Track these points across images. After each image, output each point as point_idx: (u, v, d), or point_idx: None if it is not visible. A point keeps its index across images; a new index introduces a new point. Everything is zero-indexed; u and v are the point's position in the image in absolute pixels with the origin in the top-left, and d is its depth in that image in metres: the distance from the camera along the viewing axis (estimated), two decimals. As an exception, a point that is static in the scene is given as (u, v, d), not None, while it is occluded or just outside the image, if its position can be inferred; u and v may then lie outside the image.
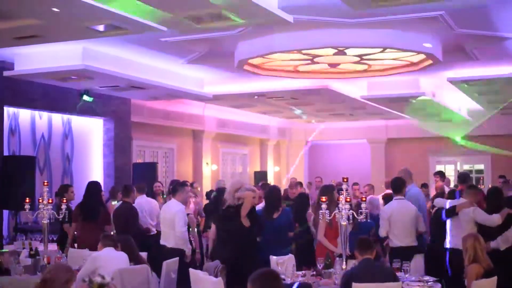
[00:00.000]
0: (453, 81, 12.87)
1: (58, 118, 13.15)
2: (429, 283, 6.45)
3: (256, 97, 14.41)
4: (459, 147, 20.52)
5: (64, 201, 8.12)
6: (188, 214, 8.88)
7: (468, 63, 11.68)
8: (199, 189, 14.23)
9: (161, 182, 12.68)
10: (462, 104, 17.22)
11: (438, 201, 8.84)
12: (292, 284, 6.15)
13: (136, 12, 7.42)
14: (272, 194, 8.37)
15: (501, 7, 8.24)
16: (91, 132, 14.02)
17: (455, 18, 8.70)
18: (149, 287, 6.85)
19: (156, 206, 10.07)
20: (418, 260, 7.77)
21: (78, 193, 10.03)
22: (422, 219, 8.51)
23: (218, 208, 8.59)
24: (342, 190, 6.38)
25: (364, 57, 10.74)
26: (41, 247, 7.86)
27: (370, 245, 5.84)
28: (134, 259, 6.93)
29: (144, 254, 7.55)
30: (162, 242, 8.24)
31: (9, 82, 11.09)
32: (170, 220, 8.11)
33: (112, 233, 9.14)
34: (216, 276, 6.48)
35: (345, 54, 10.38)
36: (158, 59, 11.45)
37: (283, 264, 6.99)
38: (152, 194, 11.03)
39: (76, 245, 9.18)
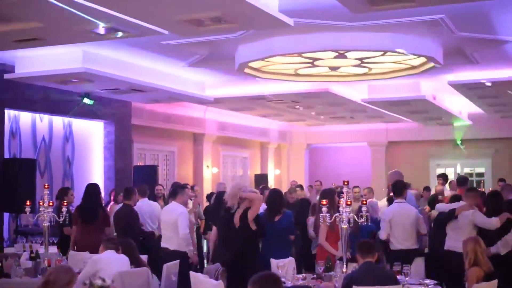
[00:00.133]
0: (453, 84, 12.88)
1: (58, 121, 13.15)
2: (429, 286, 6.46)
3: (263, 97, 14.34)
4: (460, 150, 20.58)
5: (65, 204, 8.12)
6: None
7: (468, 66, 11.69)
8: (199, 191, 14.24)
9: (162, 185, 12.67)
10: (463, 107, 17.25)
11: (440, 206, 8.86)
12: (292, 287, 6.16)
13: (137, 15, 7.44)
14: (273, 197, 8.37)
15: (501, 10, 8.25)
16: (92, 135, 14.02)
17: (456, 21, 8.71)
18: (149, 290, 6.86)
19: (158, 209, 10.06)
20: (419, 263, 7.77)
21: (79, 195, 10.02)
22: (422, 221, 8.54)
23: (219, 211, 8.59)
24: (343, 193, 6.39)
25: (364, 60, 10.75)
26: (41, 250, 7.87)
27: (372, 248, 5.84)
28: (135, 262, 6.93)
29: (144, 257, 7.55)
30: (163, 244, 8.24)
31: (9, 85, 11.09)
32: (172, 223, 8.11)
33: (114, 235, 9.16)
34: (216, 279, 6.49)
35: (345, 57, 10.39)
36: (159, 62, 11.46)
37: (284, 267, 6.99)
38: (153, 197, 11.02)
39: (75, 247, 9.17)
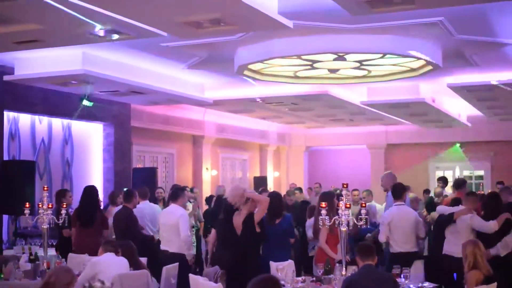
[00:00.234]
0: (452, 87, 12.88)
1: (58, 123, 13.15)
2: (428, 289, 6.46)
3: (258, 100, 14.37)
4: (459, 153, 20.60)
5: (64, 206, 8.11)
6: None
7: (467, 69, 11.70)
8: (198, 194, 14.23)
9: (163, 188, 12.63)
10: (462, 110, 17.25)
11: (441, 209, 8.86)
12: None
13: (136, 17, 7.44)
14: (274, 200, 8.34)
15: (500, 13, 8.25)
16: (91, 137, 14.02)
17: (455, 24, 8.71)
18: (148, 292, 6.85)
19: (159, 212, 10.01)
20: (418, 266, 7.77)
21: (78, 198, 9.99)
22: (422, 225, 8.53)
23: (219, 214, 8.58)
24: (342, 196, 6.39)
25: (364, 63, 10.75)
26: (40, 252, 7.86)
27: (371, 251, 5.83)
28: (134, 264, 6.92)
29: (144, 259, 7.54)
30: (163, 247, 8.21)
31: (9, 87, 11.09)
32: (173, 225, 8.08)
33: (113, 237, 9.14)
34: (216, 282, 6.48)
35: (345, 59, 10.39)
36: (158, 64, 11.46)
37: (283, 270, 6.97)
38: (153, 200, 10.99)
39: (73, 250, 9.15)
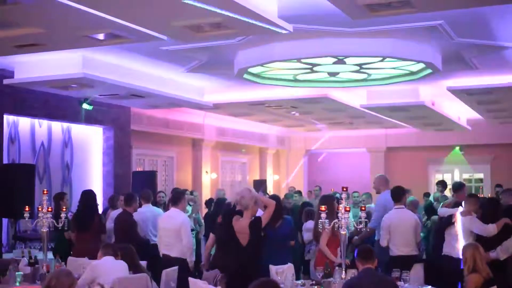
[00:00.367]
0: (452, 90, 12.89)
1: (57, 126, 13.15)
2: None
3: (264, 106, 14.40)
4: (459, 156, 20.61)
5: (64, 209, 8.10)
6: None
7: (467, 72, 11.70)
8: (198, 197, 14.23)
9: (164, 192, 12.59)
10: (461, 113, 17.27)
11: (442, 211, 8.86)
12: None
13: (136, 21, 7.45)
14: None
15: (500, 16, 8.27)
16: (91, 140, 14.02)
17: (454, 27, 8.72)
18: (148, 296, 6.84)
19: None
20: (418, 269, 7.76)
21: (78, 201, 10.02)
22: (420, 229, 8.54)
23: (217, 217, 8.57)
24: (342, 199, 6.39)
25: (363, 66, 10.76)
26: (40, 256, 7.85)
27: (371, 254, 5.83)
28: (134, 268, 6.91)
29: (143, 263, 7.52)
30: (164, 251, 8.16)
31: (9, 90, 11.10)
32: (174, 230, 8.04)
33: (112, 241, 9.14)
34: (215, 285, 6.47)
35: (344, 63, 10.40)
36: (158, 68, 11.47)
37: (283, 273, 6.97)
38: (154, 204, 10.95)
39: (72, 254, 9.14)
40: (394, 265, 7.24)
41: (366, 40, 9.25)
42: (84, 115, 12.59)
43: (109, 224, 10.00)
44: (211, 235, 8.34)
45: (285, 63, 10.43)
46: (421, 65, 10.55)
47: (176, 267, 7.55)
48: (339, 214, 6.35)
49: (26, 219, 7.81)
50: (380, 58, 10.01)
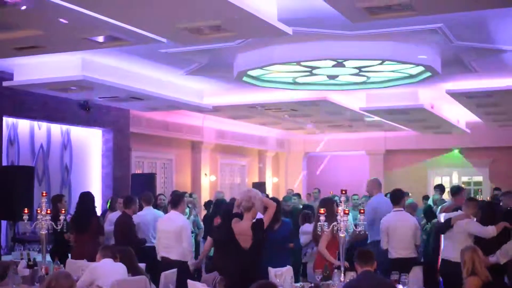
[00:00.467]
0: (451, 93, 12.90)
1: (57, 129, 13.15)
2: (427, 295, 6.45)
3: (259, 108, 14.42)
4: (459, 158, 20.63)
5: (63, 211, 8.10)
6: None
7: (466, 75, 11.72)
8: (197, 200, 14.22)
9: (164, 194, 12.55)
10: (461, 116, 17.28)
11: (443, 216, 8.85)
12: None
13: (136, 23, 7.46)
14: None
15: (499, 20, 8.28)
16: (90, 142, 14.03)
17: (454, 30, 8.74)
18: (147, 298, 6.83)
19: None
20: (417, 272, 7.76)
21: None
22: (419, 232, 8.54)
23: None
24: (341, 202, 6.39)
25: (362, 69, 10.77)
26: (39, 258, 7.85)
27: (371, 257, 5.83)
28: (133, 270, 6.90)
29: (142, 265, 7.52)
30: (163, 254, 8.14)
31: (8, 93, 11.10)
32: (175, 233, 8.01)
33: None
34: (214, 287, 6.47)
35: (344, 66, 10.41)
36: (158, 70, 11.47)
37: (281, 276, 6.95)
38: (155, 207, 10.93)
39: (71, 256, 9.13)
40: (393, 268, 7.23)
41: (366, 43, 9.27)
42: (74, 117, 12.56)
43: (107, 227, 10.00)
44: (209, 239, 8.29)
45: (284, 66, 10.44)
46: (421, 68, 10.56)
47: (175, 270, 7.54)
48: (338, 217, 6.36)
49: (25, 221, 7.80)
50: (380, 61, 10.02)
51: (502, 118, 16.72)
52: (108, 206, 11.53)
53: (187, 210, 11.15)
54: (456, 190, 9.82)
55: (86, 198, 9.51)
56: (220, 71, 11.19)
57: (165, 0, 6.41)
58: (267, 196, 11.10)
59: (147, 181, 13.98)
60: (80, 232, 9.13)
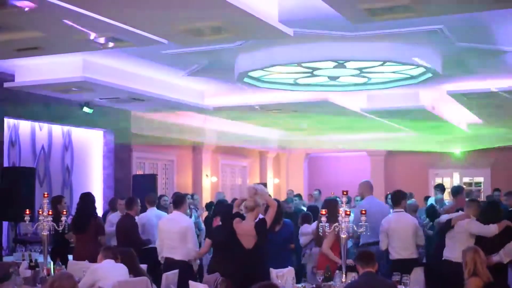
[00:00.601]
0: (452, 94, 12.90)
1: (58, 130, 13.15)
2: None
3: (257, 108, 14.42)
4: (458, 159, 20.62)
5: (64, 212, 8.11)
6: None
7: (467, 76, 11.71)
8: (198, 201, 14.23)
9: (167, 196, 12.52)
10: (462, 117, 17.26)
11: (446, 216, 8.86)
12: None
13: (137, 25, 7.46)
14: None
15: (500, 21, 8.28)
16: (91, 143, 14.03)
17: (455, 31, 8.74)
18: (149, 299, 6.83)
19: None
20: (419, 273, 7.76)
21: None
22: (421, 232, 8.54)
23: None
24: (342, 203, 6.40)
25: (363, 70, 10.77)
26: (40, 259, 7.85)
27: (372, 258, 5.83)
28: (134, 271, 6.90)
29: (144, 266, 7.52)
30: (166, 254, 8.11)
31: (9, 94, 11.10)
32: (180, 233, 7.99)
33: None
34: (216, 289, 6.47)
35: (344, 67, 10.41)
36: (159, 71, 11.48)
37: (283, 277, 6.96)
38: (158, 208, 10.91)
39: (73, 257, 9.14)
40: (394, 269, 7.24)
41: (367, 44, 9.27)
42: (75, 119, 12.56)
43: (108, 228, 10.01)
44: (207, 241, 8.19)
45: (285, 67, 10.44)
46: (421, 69, 10.56)
47: (176, 271, 7.54)
48: (339, 218, 6.36)
49: (27, 222, 7.81)
50: (380, 62, 10.02)
51: (503, 119, 16.70)
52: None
53: (187, 211, 11.16)
54: (457, 191, 9.82)
55: (87, 199, 9.52)
56: (221, 72, 11.19)
57: (166, 1, 6.42)
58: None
59: (148, 182, 14.00)
60: (80, 232, 9.14)
